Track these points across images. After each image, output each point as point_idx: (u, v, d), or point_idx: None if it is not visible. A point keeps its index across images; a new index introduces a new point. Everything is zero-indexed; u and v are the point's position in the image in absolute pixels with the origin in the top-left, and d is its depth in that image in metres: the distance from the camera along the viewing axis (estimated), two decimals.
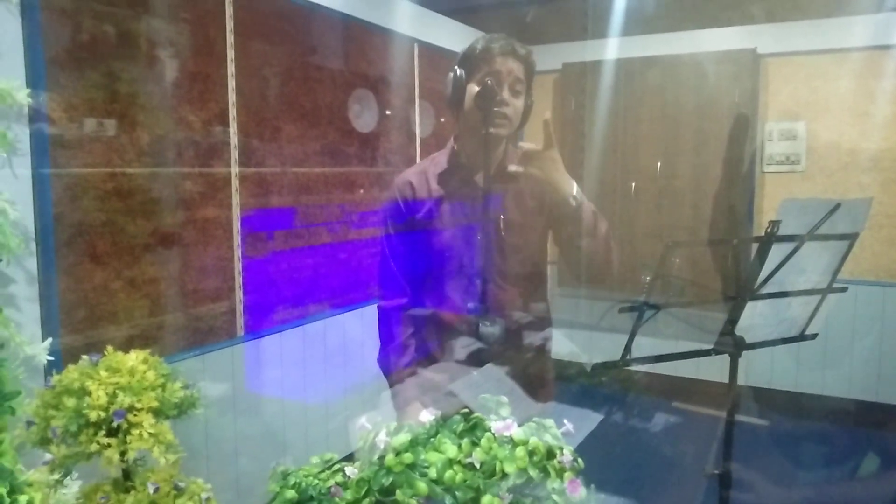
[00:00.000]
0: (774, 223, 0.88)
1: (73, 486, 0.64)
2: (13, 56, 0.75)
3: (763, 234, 0.90)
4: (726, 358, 0.99)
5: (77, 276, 1.19)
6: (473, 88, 1.04)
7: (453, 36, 2.50)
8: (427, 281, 1.20)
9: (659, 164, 2.78)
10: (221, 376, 1.54)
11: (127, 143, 1.43)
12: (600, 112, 2.86)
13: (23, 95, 0.74)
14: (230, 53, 1.77)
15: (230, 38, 1.77)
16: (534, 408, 1.24)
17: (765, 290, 0.94)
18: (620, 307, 0.90)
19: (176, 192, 1.59)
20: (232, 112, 1.78)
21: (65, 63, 1.13)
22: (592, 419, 1.22)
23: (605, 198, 2.84)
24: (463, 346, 1.22)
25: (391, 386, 1.18)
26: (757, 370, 2.49)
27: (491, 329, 1.21)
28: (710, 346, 0.99)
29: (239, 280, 1.77)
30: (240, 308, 1.76)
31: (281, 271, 1.93)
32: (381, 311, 1.21)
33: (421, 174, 1.14)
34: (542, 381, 1.27)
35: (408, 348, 1.20)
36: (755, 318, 0.97)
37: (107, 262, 1.31)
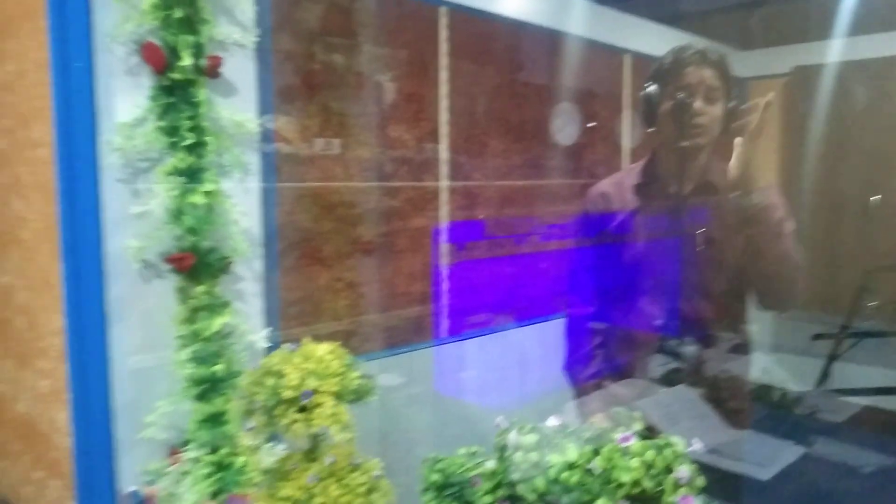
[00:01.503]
0: None
1: (277, 453, 0.77)
2: (248, 92, 0.90)
3: None
4: None
5: (294, 277, 1.39)
6: (667, 102, 1.03)
7: (670, 44, 2.41)
8: (618, 294, 1.20)
9: None
10: (411, 375, 1.65)
11: (345, 160, 1.61)
12: (832, 118, 2.59)
13: (254, 125, 0.89)
14: (443, 75, 1.90)
15: (443, 60, 1.90)
16: (727, 434, 1.18)
17: None
18: (814, 334, 0.83)
19: (387, 203, 1.75)
20: (443, 130, 1.91)
21: (290, 94, 1.31)
22: (792, 451, 1.13)
23: (831, 212, 2.56)
24: (655, 363, 1.20)
25: (577, 397, 1.20)
26: None
27: (688, 349, 1.17)
28: None
29: (440, 287, 1.89)
30: (438, 312, 1.88)
31: (478, 280, 2.03)
32: (569, 320, 1.23)
33: (616, 185, 1.15)
34: (738, 406, 1.20)
35: (595, 360, 1.21)
36: None
37: (321, 265, 1.50)
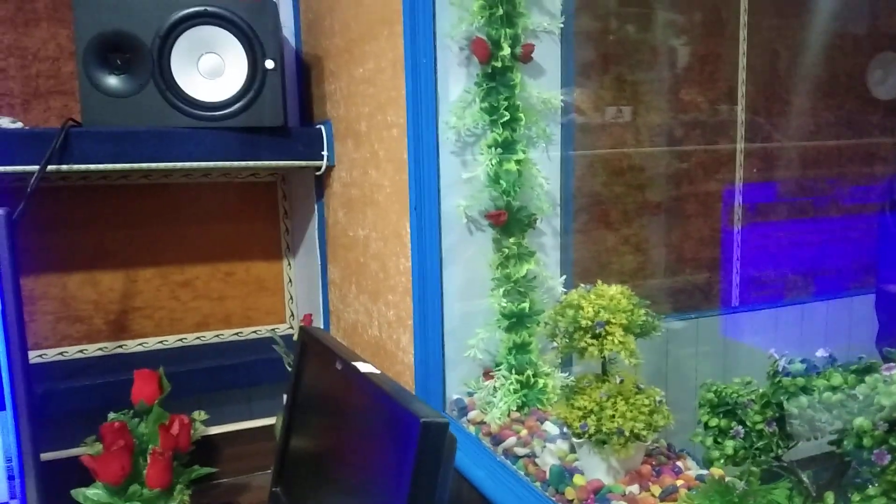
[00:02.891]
0: None
1: (572, 375, 0.92)
2: (553, 71, 1.05)
3: None
4: None
5: (584, 237, 1.52)
6: None
7: None
8: None
9: None
10: (697, 342, 1.68)
11: (636, 126, 1.69)
12: None
13: (557, 100, 1.04)
14: (742, 33, 1.86)
15: (743, 17, 1.86)
16: None
17: None
18: None
19: (677, 168, 1.79)
20: (741, 90, 1.88)
21: (587, 69, 1.43)
22: None
23: None
24: None
25: None
26: None
27: None
28: None
29: (732, 254, 1.88)
30: (728, 280, 1.87)
31: (775, 248, 1.96)
32: (881, 293, 1.19)
33: None
34: None
35: None
36: None
37: (609, 228, 1.61)
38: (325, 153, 1.49)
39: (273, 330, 1.80)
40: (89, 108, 1.32)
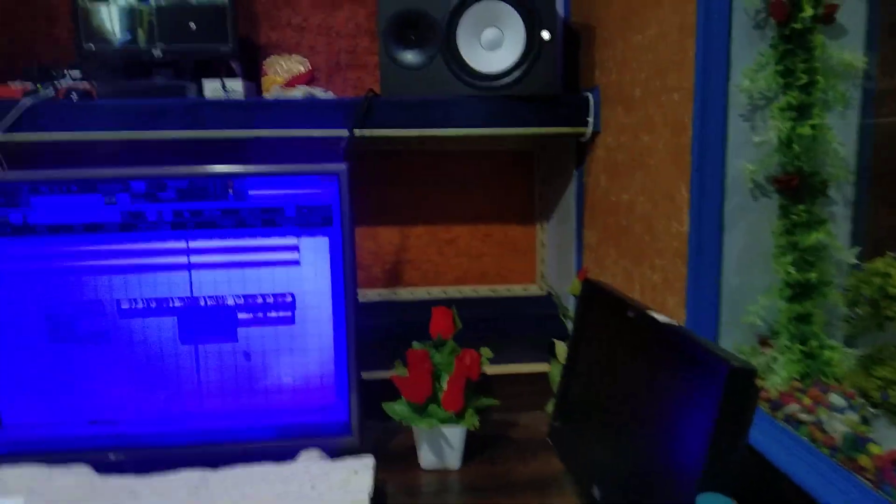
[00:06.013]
0: None
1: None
2: (856, 32, 1.00)
3: None
4: None
5: (880, 209, 1.41)
6: None
7: None
8: None
9: None
10: None
11: None
12: None
13: (860, 62, 0.99)
14: None
15: None
16: None
17: None
18: None
19: None
20: None
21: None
22: None
23: None
24: None
25: None
26: None
27: None
28: None
29: None
30: None
31: None
32: None
33: None
34: None
35: None
36: None
37: None
38: (590, 119, 1.54)
39: (525, 289, 1.92)
40: (387, 79, 1.50)
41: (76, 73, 1.52)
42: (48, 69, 1.52)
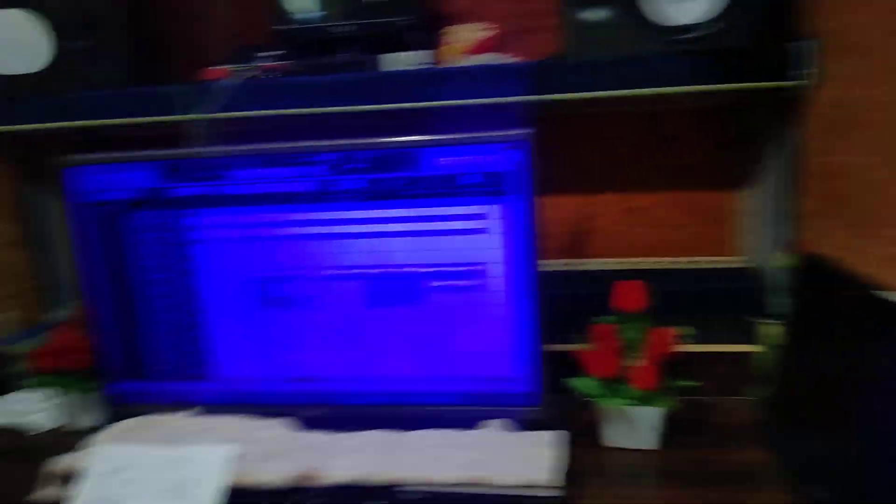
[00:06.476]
0: None
1: None
2: None
3: None
4: None
5: None
6: None
7: None
8: None
9: None
10: None
11: None
12: None
13: None
14: None
15: None
16: None
17: None
18: None
19: None
20: None
21: None
22: None
23: None
24: None
25: None
26: None
27: None
28: None
29: None
30: None
31: None
32: None
33: None
34: None
35: None
36: None
37: None
38: (806, 71, 1.36)
39: (721, 261, 1.77)
40: (572, 42, 1.43)
41: (269, 53, 1.61)
42: (247, 50, 1.63)
